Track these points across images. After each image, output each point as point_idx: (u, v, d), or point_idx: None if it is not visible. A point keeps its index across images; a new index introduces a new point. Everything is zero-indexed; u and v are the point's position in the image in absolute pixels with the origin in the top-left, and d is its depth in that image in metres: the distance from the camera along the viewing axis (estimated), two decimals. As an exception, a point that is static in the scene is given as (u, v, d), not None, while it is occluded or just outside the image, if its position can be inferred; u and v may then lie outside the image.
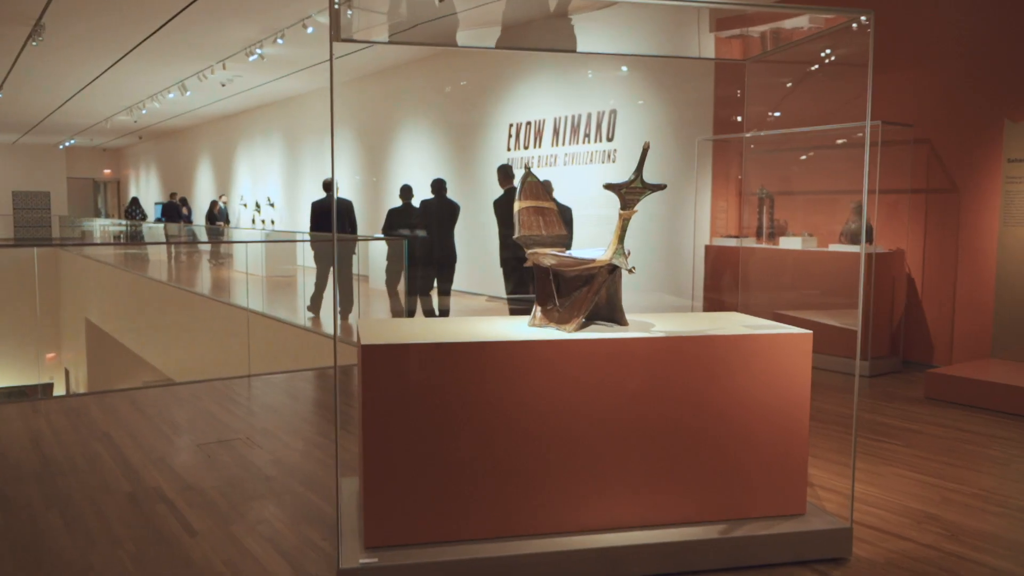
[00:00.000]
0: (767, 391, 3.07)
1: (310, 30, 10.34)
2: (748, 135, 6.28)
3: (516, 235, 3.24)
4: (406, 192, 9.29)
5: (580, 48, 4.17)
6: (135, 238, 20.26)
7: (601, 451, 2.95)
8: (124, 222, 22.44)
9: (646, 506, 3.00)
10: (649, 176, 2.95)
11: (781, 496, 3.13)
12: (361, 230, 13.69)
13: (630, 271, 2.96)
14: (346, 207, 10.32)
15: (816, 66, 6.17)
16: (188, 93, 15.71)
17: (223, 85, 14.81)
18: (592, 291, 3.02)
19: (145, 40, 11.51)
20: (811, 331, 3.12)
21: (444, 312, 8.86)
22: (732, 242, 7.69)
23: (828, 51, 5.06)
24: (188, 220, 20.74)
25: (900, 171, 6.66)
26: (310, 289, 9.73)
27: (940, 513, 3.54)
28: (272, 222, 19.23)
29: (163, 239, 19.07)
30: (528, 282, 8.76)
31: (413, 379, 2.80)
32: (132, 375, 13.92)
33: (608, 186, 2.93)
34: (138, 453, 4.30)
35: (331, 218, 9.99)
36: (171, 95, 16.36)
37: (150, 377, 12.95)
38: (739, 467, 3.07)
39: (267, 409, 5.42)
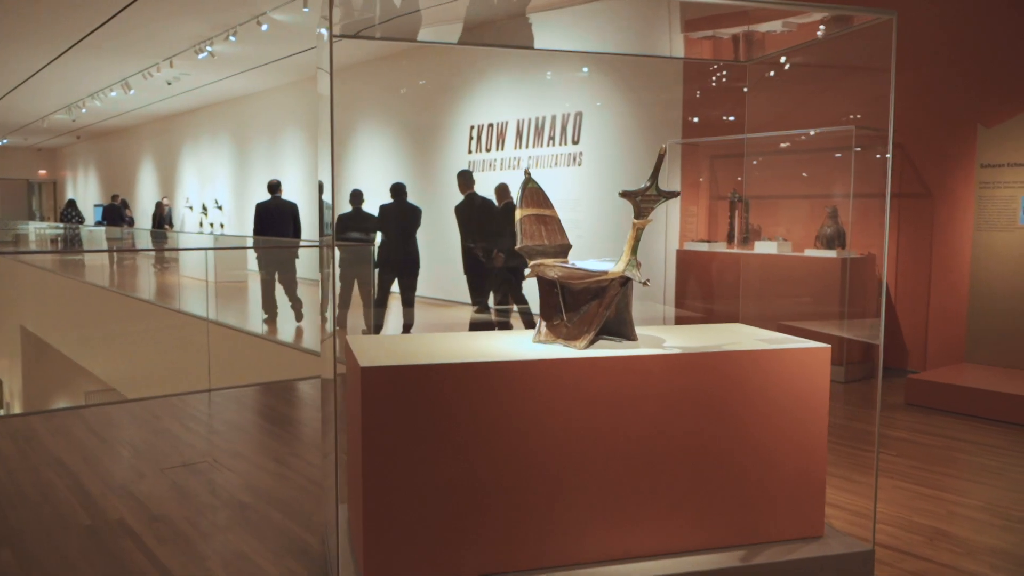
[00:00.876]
0: (785, 408, 2.92)
1: (264, 27, 9.97)
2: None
3: (518, 245, 3.04)
4: (356, 197, 8.97)
5: (563, 47, 3.99)
6: (73, 242, 19.41)
7: (616, 475, 2.75)
8: (61, 225, 21.51)
9: (661, 533, 2.82)
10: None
11: (799, 518, 2.98)
12: (307, 235, 13.28)
13: (644, 284, 2.78)
14: (291, 209, 9.97)
15: (766, 74, 6.06)
16: (132, 91, 15.08)
17: (169, 84, 14.26)
18: (603, 305, 2.83)
19: (87, 35, 10.97)
20: (829, 345, 2.99)
21: (408, 324, 8.55)
22: (704, 246, 7.60)
23: (813, 56, 4.97)
24: (130, 223, 19.96)
25: (873, 175, 6.63)
26: (264, 295, 9.37)
27: (950, 529, 3.45)
28: (221, 225, 18.63)
29: (104, 243, 18.28)
30: (491, 290, 8.54)
31: (417, 403, 2.57)
32: (73, 386, 13.27)
33: (623, 194, 2.75)
34: (96, 480, 3.96)
35: (273, 221, 9.67)
36: (113, 93, 15.71)
37: (92, 387, 12.34)
38: (757, 489, 2.91)
39: (231, 427, 5.10)
